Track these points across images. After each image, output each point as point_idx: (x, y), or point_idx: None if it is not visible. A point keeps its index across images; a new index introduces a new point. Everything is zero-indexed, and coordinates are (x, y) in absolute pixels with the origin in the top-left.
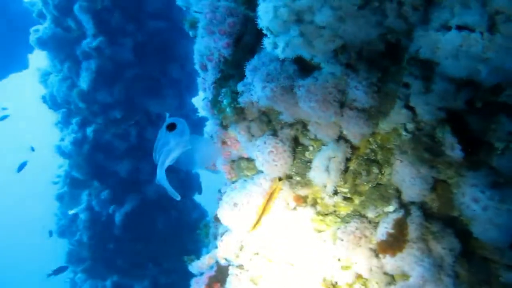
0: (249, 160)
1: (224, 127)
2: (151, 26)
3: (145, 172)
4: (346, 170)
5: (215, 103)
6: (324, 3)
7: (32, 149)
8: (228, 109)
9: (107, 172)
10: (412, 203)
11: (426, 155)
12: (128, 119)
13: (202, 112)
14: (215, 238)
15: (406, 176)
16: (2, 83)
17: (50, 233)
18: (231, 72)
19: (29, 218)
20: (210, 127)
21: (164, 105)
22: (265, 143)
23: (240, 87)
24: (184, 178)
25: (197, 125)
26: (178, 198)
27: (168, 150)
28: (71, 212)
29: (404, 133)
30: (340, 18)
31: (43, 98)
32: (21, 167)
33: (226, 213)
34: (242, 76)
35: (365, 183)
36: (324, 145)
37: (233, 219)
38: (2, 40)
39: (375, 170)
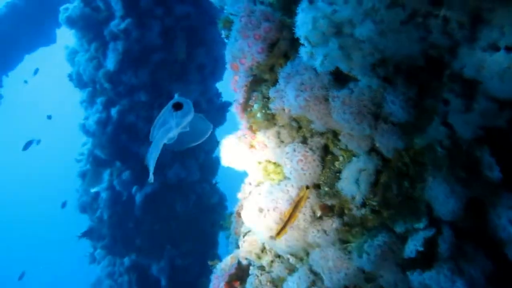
0: (276, 164)
1: (253, 130)
2: (179, 11)
3: (166, 155)
4: (376, 182)
5: (245, 107)
6: (366, 16)
7: (49, 117)
8: (258, 114)
9: (129, 153)
10: (444, 221)
11: (462, 174)
12: (152, 102)
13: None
14: (236, 234)
15: (439, 193)
16: (31, 56)
17: (63, 205)
18: (263, 76)
19: (53, 193)
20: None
21: (189, 89)
22: (294, 151)
23: (272, 93)
24: (204, 162)
25: (220, 109)
26: (151, 181)
27: (167, 129)
28: (93, 190)
29: (439, 149)
30: (381, 33)
31: (69, 76)
32: (27, 145)
33: (250, 217)
34: (274, 81)
35: (395, 197)
36: (354, 156)
37: (258, 224)
38: (31, 14)
39: (406, 184)
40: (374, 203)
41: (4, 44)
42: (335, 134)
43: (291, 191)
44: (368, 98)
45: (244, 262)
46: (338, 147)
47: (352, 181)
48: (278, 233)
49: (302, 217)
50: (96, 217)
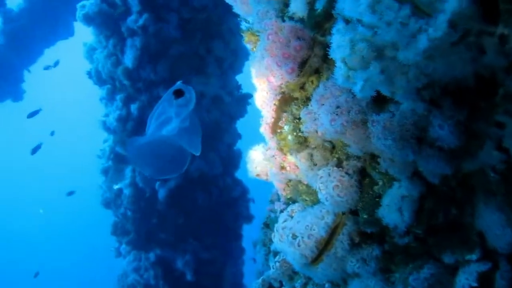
0: (309, 185)
1: (283, 151)
2: (196, 2)
3: None
4: (420, 208)
5: (274, 128)
6: (411, 39)
7: (52, 134)
8: (289, 137)
9: None
10: (501, 253)
11: None
12: None
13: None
14: (265, 245)
15: (493, 223)
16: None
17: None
18: (293, 94)
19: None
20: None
21: (208, 83)
22: (329, 175)
23: (303, 115)
24: (225, 155)
25: (240, 101)
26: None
27: (165, 120)
28: (115, 186)
29: (492, 174)
30: (429, 56)
31: (88, 74)
32: (36, 149)
33: (283, 243)
34: (305, 99)
35: (442, 225)
36: (395, 180)
37: (291, 251)
38: (49, 8)
39: (453, 211)
40: (419, 231)
41: (24, 39)
42: (373, 156)
43: (326, 218)
44: (411, 122)
45: (276, 285)
46: (377, 170)
47: (394, 208)
48: (314, 261)
49: (340, 245)
50: (120, 213)
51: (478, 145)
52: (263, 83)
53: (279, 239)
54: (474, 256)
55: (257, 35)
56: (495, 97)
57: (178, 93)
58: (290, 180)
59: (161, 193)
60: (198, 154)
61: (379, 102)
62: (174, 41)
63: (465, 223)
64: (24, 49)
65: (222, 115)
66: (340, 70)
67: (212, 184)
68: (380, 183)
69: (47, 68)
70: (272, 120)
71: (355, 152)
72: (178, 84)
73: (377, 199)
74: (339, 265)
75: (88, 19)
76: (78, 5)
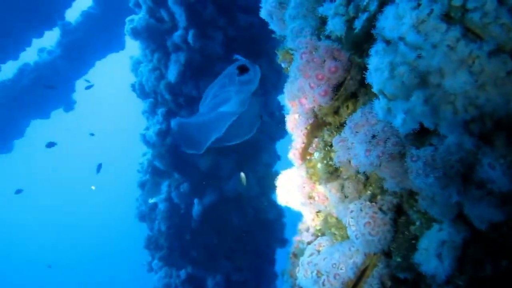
0: (339, 219)
1: (312, 180)
2: (242, 21)
3: (225, 168)
4: (463, 257)
5: (304, 154)
6: (460, 65)
7: (91, 134)
8: (319, 165)
9: (188, 165)
10: None
11: None
12: None
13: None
14: (291, 276)
15: None
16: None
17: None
18: (326, 119)
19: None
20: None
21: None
22: (361, 210)
23: (336, 143)
24: (262, 176)
25: (281, 122)
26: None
27: (224, 98)
28: (151, 201)
29: None
30: (480, 86)
31: (132, 87)
32: (99, 168)
33: (307, 281)
34: (339, 125)
35: (489, 278)
36: (435, 221)
37: None
38: (103, 22)
39: (504, 262)
40: (461, 283)
41: (78, 51)
42: (411, 193)
43: (355, 257)
44: (457, 159)
45: None
46: (414, 208)
47: (433, 254)
48: None
49: None
50: (154, 227)
51: None
52: (295, 105)
53: (303, 275)
54: None
55: (291, 54)
56: None
57: (242, 69)
58: (319, 211)
59: (196, 211)
60: (250, 135)
61: (419, 133)
62: (218, 58)
63: None
64: (78, 61)
65: (261, 135)
66: (379, 103)
67: (247, 204)
68: (418, 223)
69: (88, 87)
70: (302, 145)
71: (391, 187)
72: (243, 59)
73: (413, 241)
74: None
75: (136, 33)
76: (127, 19)
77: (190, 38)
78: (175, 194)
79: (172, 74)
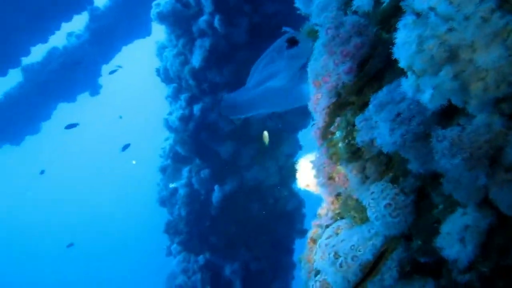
0: (359, 200)
1: (333, 160)
2: (268, 8)
3: (246, 157)
4: (488, 243)
5: (326, 133)
6: (494, 39)
7: (120, 117)
8: (340, 144)
9: (209, 152)
10: None
11: None
12: None
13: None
14: (309, 261)
15: None
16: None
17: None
18: (349, 99)
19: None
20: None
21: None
22: (382, 192)
23: (359, 122)
24: (283, 165)
25: (304, 111)
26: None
27: (273, 72)
28: (171, 185)
29: None
30: None
31: (157, 71)
32: (125, 147)
33: (324, 263)
34: (362, 105)
35: None
36: (459, 205)
37: (332, 273)
38: (131, 7)
39: None
40: (485, 269)
41: (106, 36)
42: (435, 176)
43: (375, 239)
44: (486, 140)
45: None
46: (438, 191)
47: (456, 238)
48: (356, 286)
49: (387, 272)
50: (174, 212)
51: None
52: (318, 84)
53: (320, 257)
54: None
55: (316, 32)
56: None
57: (292, 42)
58: (339, 194)
59: (216, 197)
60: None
61: (446, 113)
62: (243, 45)
63: None
64: (105, 46)
65: (284, 124)
66: (407, 81)
67: (267, 193)
68: (441, 207)
69: (112, 72)
70: (324, 124)
71: (414, 169)
72: (292, 31)
73: (435, 225)
74: None
75: (162, 18)
76: (153, 3)
77: (216, 23)
78: (195, 179)
79: (196, 59)
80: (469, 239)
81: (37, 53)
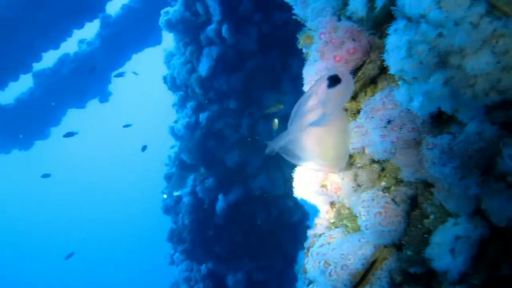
0: (351, 210)
1: None
2: (278, 18)
3: (252, 166)
4: (480, 256)
5: None
6: (483, 45)
7: (127, 126)
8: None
9: (214, 160)
10: None
11: None
12: (242, 110)
13: None
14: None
15: None
16: (138, 56)
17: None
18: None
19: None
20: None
21: (282, 100)
22: (373, 200)
23: (351, 129)
24: (289, 176)
25: None
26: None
27: (314, 113)
28: (175, 193)
29: None
30: (504, 68)
31: (164, 79)
32: (144, 148)
33: (314, 270)
34: (356, 112)
35: (506, 279)
36: (451, 216)
37: (322, 283)
38: (143, 16)
39: None
40: (476, 282)
41: (116, 43)
42: (427, 185)
43: (365, 249)
44: (477, 148)
45: None
46: (429, 201)
47: (446, 249)
48: None
49: (377, 282)
50: (178, 220)
51: None
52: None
53: (312, 266)
54: None
55: (312, 37)
56: None
57: (334, 80)
58: (334, 203)
59: (220, 206)
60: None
61: (437, 120)
62: (251, 55)
63: None
64: (115, 53)
65: None
66: (399, 91)
67: (272, 204)
68: (432, 217)
69: (118, 75)
70: None
71: (406, 177)
72: (333, 69)
73: (426, 235)
74: None
75: (170, 26)
76: (162, 11)
77: (224, 32)
78: (200, 188)
79: (203, 68)
80: (459, 250)
81: (48, 59)
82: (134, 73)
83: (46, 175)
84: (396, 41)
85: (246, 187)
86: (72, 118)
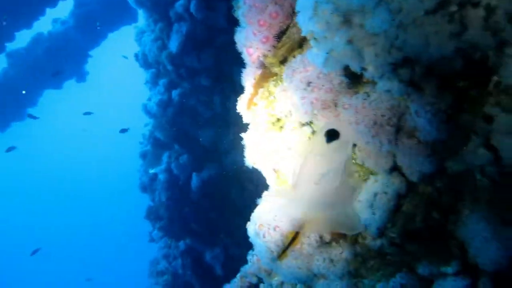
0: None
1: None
2: None
3: (225, 142)
4: (397, 209)
5: (250, 104)
6: (379, 2)
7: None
8: (263, 115)
9: (188, 137)
10: (482, 270)
11: (509, 216)
12: (213, 87)
13: None
14: None
15: (476, 234)
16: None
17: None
18: (273, 70)
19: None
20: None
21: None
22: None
23: (278, 93)
24: None
25: None
26: None
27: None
28: (151, 171)
29: (479, 177)
30: (399, 25)
31: (136, 56)
32: (123, 130)
33: (251, 233)
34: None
35: (419, 230)
36: (372, 173)
37: (258, 245)
38: None
39: (435, 215)
40: (393, 235)
41: (91, 22)
42: (354, 145)
43: (295, 210)
44: (388, 106)
45: (254, 280)
46: (354, 161)
47: (366, 205)
48: (280, 256)
49: (307, 241)
50: (155, 198)
51: (462, 140)
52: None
53: (250, 229)
54: (449, 269)
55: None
56: (488, 85)
57: (331, 135)
58: (275, 170)
59: (194, 183)
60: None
61: (355, 81)
62: (221, 30)
63: (447, 231)
64: (90, 32)
65: None
66: (310, 51)
67: (246, 179)
68: (356, 175)
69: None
70: (249, 96)
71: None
72: (329, 123)
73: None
74: (304, 264)
75: (139, 2)
76: None
77: (192, 8)
78: (174, 165)
79: (173, 44)
80: (377, 206)
81: (22, 39)
82: (124, 57)
83: (11, 148)
84: (303, 1)
85: (220, 164)
86: (49, 98)
